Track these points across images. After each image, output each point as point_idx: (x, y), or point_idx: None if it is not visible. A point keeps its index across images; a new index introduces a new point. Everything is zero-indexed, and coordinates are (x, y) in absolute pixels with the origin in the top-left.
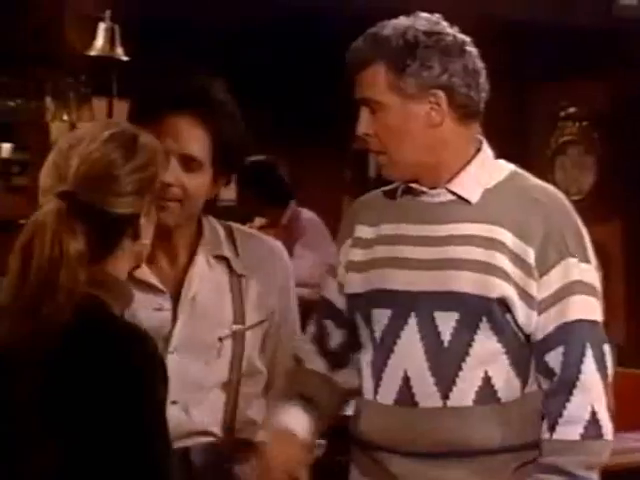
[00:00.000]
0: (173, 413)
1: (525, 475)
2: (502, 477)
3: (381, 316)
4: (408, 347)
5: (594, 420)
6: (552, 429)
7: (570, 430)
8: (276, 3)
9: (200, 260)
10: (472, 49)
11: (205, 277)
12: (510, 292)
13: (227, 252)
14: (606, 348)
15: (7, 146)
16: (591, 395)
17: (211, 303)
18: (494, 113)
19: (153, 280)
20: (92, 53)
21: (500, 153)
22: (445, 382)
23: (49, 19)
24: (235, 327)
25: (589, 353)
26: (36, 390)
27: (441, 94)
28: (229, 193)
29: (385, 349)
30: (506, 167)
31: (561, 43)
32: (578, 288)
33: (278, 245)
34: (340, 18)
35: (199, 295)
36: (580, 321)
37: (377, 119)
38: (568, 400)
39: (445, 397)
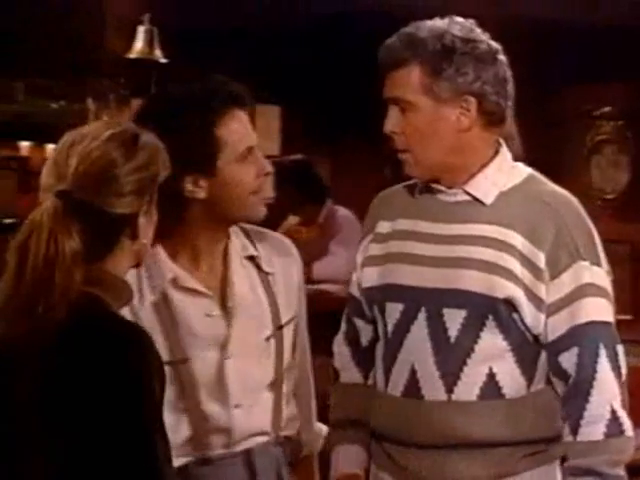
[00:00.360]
0: (237, 417)
1: (527, 464)
2: (506, 467)
3: (393, 310)
4: (416, 341)
5: (614, 418)
6: (575, 431)
7: (593, 430)
8: (313, 2)
9: (235, 262)
10: (503, 57)
11: (242, 278)
12: (517, 293)
13: (254, 251)
14: (619, 348)
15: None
16: (608, 394)
17: (253, 304)
18: (530, 114)
19: (199, 286)
20: (131, 56)
21: (536, 154)
22: (450, 377)
23: (89, 24)
24: (275, 326)
25: (603, 353)
26: (34, 389)
27: (472, 100)
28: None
29: (395, 343)
30: (524, 171)
31: (596, 42)
32: (589, 291)
33: (288, 241)
34: (376, 16)
35: (242, 297)
36: (593, 323)
37: (406, 118)
38: (587, 401)
39: (450, 391)
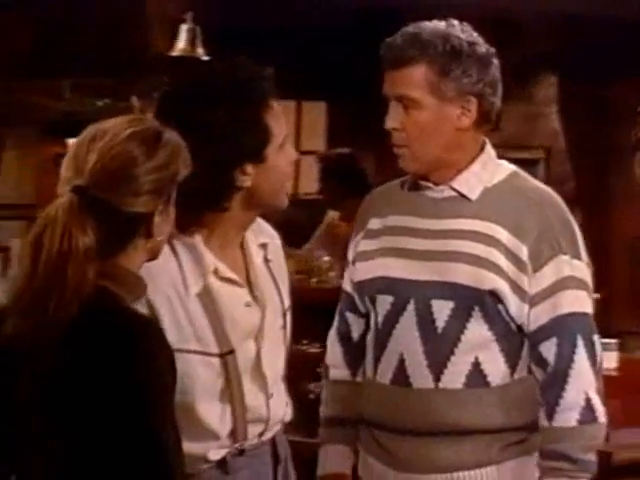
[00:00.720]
0: (272, 406)
1: (508, 454)
2: (487, 456)
3: (383, 302)
4: (405, 331)
5: (588, 406)
6: (550, 417)
7: (568, 417)
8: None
9: (252, 251)
10: (496, 60)
11: (258, 267)
12: (502, 285)
13: (263, 239)
14: (595, 338)
15: None
16: (584, 382)
17: (271, 293)
18: (576, 111)
19: (235, 276)
20: (174, 54)
21: (583, 149)
22: (437, 365)
23: (134, 23)
24: (282, 313)
25: (580, 344)
26: (46, 383)
27: (474, 100)
28: (311, 186)
29: (385, 332)
30: (507, 168)
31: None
32: (570, 283)
33: (268, 225)
34: (422, 11)
35: (265, 286)
36: (572, 314)
37: (409, 115)
38: (563, 389)
39: (437, 379)
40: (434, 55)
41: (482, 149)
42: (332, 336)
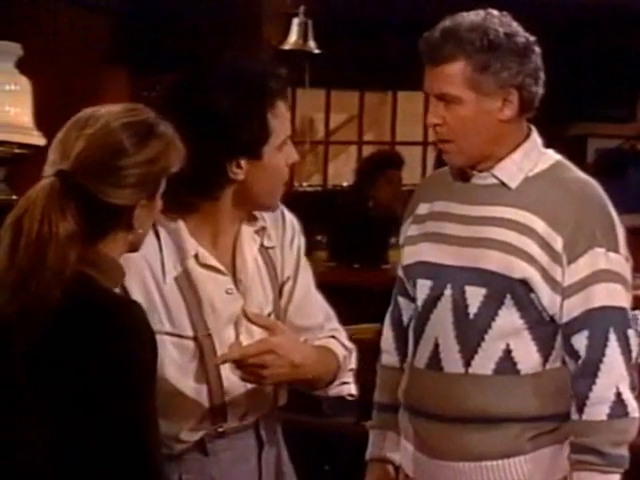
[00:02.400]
0: (251, 391)
1: (539, 445)
2: (516, 445)
3: (423, 286)
4: (441, 316)
5: (619, 400)
6: (580, 410)
7: (597, 411)
8: None
9: (246, 239)
10: (537, 48)
11: (250, 256)
12: (533, 275)
13: (264, 222)
14: (630, 332)
15: None
16: (615, 376)
17: (259, 282)
18: None
19: (218, 264)
20: (286, 47)
21: None
22: (468, 351)
23: (247, 16)
24: (274, 300)
25: (613, 337)
26: (28, 363)
27: (515, 92)
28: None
29: (423, 317)
30: (551, 157)
31: None
32: (604, 276)
33: (285, 210)
34: None
35: (251, 275)
36: (604, 307)
37: (449, 110)
38: (594, 382)
39: (467, 365)
40: (472, 51)
41: (527, 137)
42: (386, 320)
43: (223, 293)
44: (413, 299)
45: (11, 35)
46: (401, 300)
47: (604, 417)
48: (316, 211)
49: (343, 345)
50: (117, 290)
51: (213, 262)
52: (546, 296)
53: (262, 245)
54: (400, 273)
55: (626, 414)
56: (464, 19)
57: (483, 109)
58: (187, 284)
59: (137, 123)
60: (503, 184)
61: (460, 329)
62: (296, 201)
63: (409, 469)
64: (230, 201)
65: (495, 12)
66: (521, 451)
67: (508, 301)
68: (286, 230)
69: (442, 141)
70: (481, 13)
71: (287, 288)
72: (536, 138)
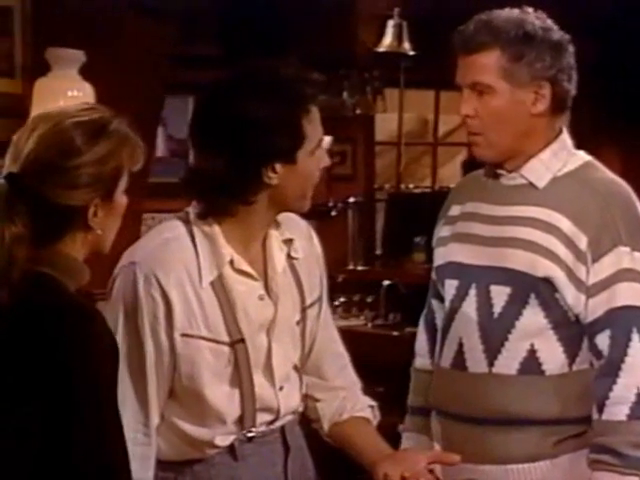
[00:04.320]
0: (281, 398)
1: (564, 449)
2: (541, 449)
3: (450, 286)
4: (466, 316)
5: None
6: (600, 410)
7: (617, 411)
8: None
9: (274, 247)
10: (571, 48)
11: (279, 263)
12: (557, 274)
13: (290, 235)
14: None
15: (327, 139)
16: (636, 377)
17: (288, 289)
18: None
19: (251, 270)
20: (381, 49)
21: None
22: (492, 350)
23: (343, 19)
24: (301, 309)
25: (636, 337)
26: None
27: (547, 85)
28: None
29: (450, 317)
30: (581, 158)
31: None
32: (628, 275)
33: (306, 223)
34: None
35: (282, 282)
36: (627, 307)
37: (482, 102)
38: (615, 382)
39: (491, 364)
40: (506, 40)
41: (557, 137)
42: (420, 323)
43: (256, 299)
44: (444, 301)
45: (75, 42)
46: (434, 303)
47: (624, 417)
48: (419, 213)
49: (373, 411)
50: (154, 289)
51: (247, 268)
52: (571, 295)
53: (289, 255)
54: (433, 275)
55: None
56: (500, 13)
57: (516, 100)
58: (222, 289)
59: (88, 122)
60: (531, 184)
61: (484, 328)
62: (400, 202)
63: (438, 472)
64: (263, 205)
65: (530, 9)
66: (546, 455)
67: (532, 300)
68: (313, 246)
69: (472, 134)
70: (516, 10)
71: (314, 312)
72: (566, 138)
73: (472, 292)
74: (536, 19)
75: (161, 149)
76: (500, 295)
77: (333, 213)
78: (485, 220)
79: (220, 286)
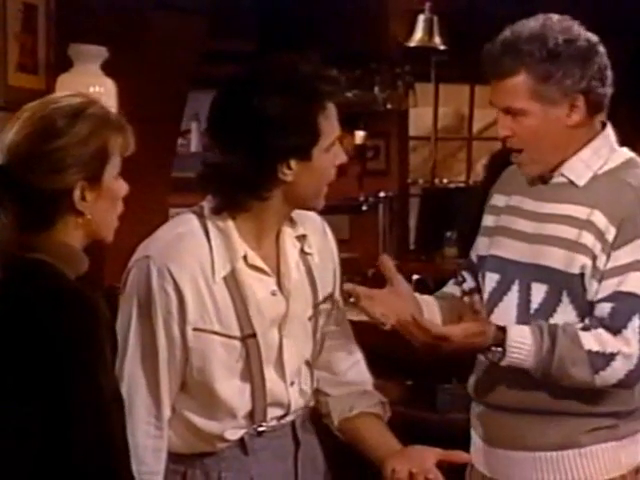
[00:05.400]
0: (292, 393)
1: (595, 440)
2: (572, 438)
3: (491, 279)
4: (506, 310)
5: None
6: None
7: (587, 342)
8: None
9: (288, 243)
10: (601, 48)
11: (292, 259)
12: (589, 265)
13: (303, 230)
14: None
15: (361, 134)
16: (624, 345)
17: (301, 285)
18: None
19: (264, 265)
20: (411, 44)
21: None
22: None
23: (373, 15)
24: (313, 305)
25: (635, 324)
26: None
27: (581, 97)
28: None
29: (489, 308)
30: (623, 155)
31: None
32: None
33: (321, 219)
34: None
35: (295, 278)
36: (633, 294)
37: (517, 122)
38: (604, 334)
39: None
40: (531, 63)
41: (598, 134)
42: (449, 282)
43: (268, 294)
44: (476, 278)
45: (98, 39)
46: (465, 273)
47: (588, 349)
48: (452, 208)
49: (384, 408)
50: (167, 283)
51: (260, 263)
52: (593, 286)
53: (302, 250)
54: (473, 257)
55: (602, 370)
56: (523, 28)
57: (550, 118)
58: (235, 284)
59: (65, 107)
60: (571, 182)
61: (522, 323)
62: (434, 197)
63: (474, 459)
64: (278, 202)
65: (555, 17)
66: (576, 444)
67: (565, 298)
68: (327, 243)
69: (514, 152)
70: (540, 19)
71: (326, 308)
72: (609, 134)
73: (514, 288)
74: (560, 31)
75: (195, 144)
76: (539, 292)
77: (364, 208)
78: (528, 216)
79: (233, 281)
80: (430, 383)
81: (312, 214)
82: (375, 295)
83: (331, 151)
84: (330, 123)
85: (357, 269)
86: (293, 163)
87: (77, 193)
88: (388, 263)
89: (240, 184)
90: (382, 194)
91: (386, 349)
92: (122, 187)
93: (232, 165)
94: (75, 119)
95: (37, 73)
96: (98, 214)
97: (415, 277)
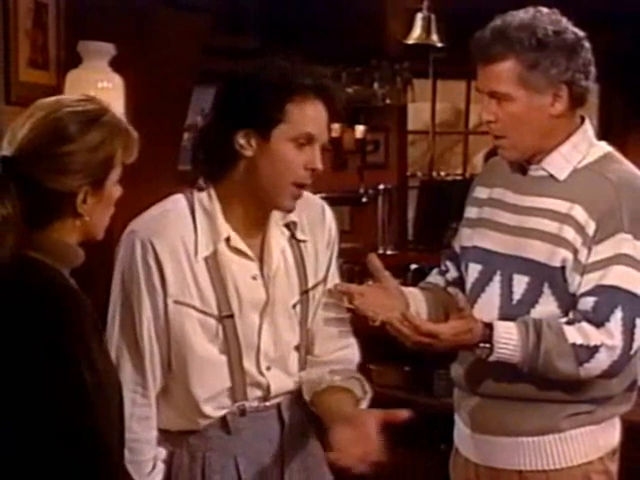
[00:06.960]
0: (269, 377)
1: (575, 424)
2: (552, 424)
3: (473, 270)
4: (488, 300)
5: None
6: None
7: (571, 335)
8: None
9: (274, 229)
10: (587, 43)
11: (278, 246)
12: (570, 259)
13: (294, 217)
14: (638, 322)
15: (361, 128)
16: (607, 338)
17: (285, 272)
18: None
19: (247, 249)
20: (410, 41)
21: None
22: None
23: (372, 11)
24: (301, 292)
25: (618, 317)
26: None
27: (564, 87)
28: None
29: (472, 299)
30: (601, 149)
31: None
32: (625, 260)
33: (321, 202)
34: None
35: (278, 265)
36: (616, 287)
37: (502, 108)
38: (586, 327)
39: None
40: (521, 50)
41: (578, 128)
42: (434, 272)
43: (248, 278)
44: (458, 269)
45: (106, 36)
46: (448, 263)
47: (573, 342)
48: (450, 200)
49: (362, 386)
50: (149, 256)
51: (243, 247)
52: (575, 279)
53: (293, 237)
54: (456, 248)
55: (586, 362)
56: (514, 18)
57: (534, 105)
58: (215, 265)
59: (82, 112)
60: (552, 176)
61: (504, 313)
62: (432, 189)
63: (458, 444)
64: (242, 178)
65: (545, 10)
66: (556, 429)
67: (546, 289)
68: (324, 228)
69: (496, 137)
70: (530, 11)
71: (317, 293)
72: (587, 129)
73: (496, 279)
74: (549, 23)
75: None
76: (520, 283)
77: (364, 199)
78: (510, 209)
79: (214, 262)
80: (427, 369)
81: (313, 198)
82: (365, 291)
83: (301, 147)
84: (302, 115)
85: (357, 259)
86: (253, 140)
87: (80, 197)
88: (375, 261)
89: (208, 148)
90: (382, 186)
91: (385, 336)
92: (118, 190)
93: (205, 129)
94: (88, 126)
95: (48, 69)
96: (95, 216)
97: (413, 266)
